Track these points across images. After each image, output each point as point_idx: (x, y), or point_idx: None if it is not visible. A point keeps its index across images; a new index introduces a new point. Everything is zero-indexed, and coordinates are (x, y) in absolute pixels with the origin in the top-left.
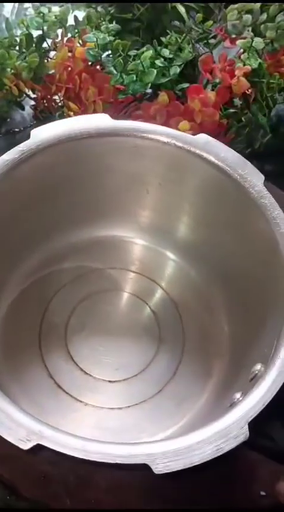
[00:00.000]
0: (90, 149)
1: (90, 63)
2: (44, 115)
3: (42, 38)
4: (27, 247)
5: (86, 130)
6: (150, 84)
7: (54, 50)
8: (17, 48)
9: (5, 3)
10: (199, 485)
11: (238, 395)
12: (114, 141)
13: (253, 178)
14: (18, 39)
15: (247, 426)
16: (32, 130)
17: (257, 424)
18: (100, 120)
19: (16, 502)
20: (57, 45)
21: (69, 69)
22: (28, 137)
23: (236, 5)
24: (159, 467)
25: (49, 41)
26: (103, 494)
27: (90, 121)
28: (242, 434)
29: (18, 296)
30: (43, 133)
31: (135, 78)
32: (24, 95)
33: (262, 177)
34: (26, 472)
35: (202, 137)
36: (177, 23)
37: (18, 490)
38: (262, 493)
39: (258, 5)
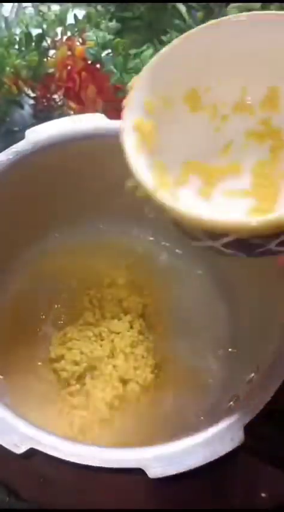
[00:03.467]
0: (85, 149)
1: (89, 61)
2: (43, 114)
3: (41, 37)
4: (21, 249)
5: (81, 130)
6: None
7: (54, 48)
8: (17, 47)
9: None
10: (200, 487)
11: (234, 399)
12: (109, 141)
13: None
14: (17, 38)
15: (242, 430)
16: (27, 130)
17: (252, 428)
18: (95, 120)
19: (15, 503)
20: (57, 43)
21: (69, 68)
22: None
23: (236, 4)
24: (154, 471)
25: (48, 39)
26: (104, 494)
27: (85, 121)
28: (237, 437)
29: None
30: (38, 133)
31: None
32: (24, 94)
33: None
34: (25, 474)
35: None
36: (177, 21)
37: (17, 491)
38: (263, 495)
39: (258, 4)
